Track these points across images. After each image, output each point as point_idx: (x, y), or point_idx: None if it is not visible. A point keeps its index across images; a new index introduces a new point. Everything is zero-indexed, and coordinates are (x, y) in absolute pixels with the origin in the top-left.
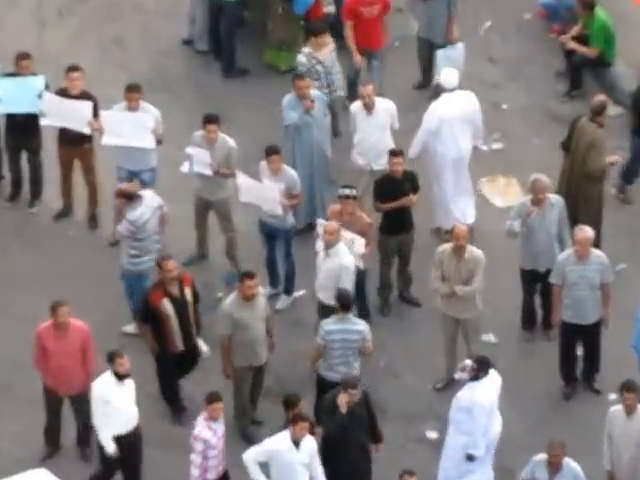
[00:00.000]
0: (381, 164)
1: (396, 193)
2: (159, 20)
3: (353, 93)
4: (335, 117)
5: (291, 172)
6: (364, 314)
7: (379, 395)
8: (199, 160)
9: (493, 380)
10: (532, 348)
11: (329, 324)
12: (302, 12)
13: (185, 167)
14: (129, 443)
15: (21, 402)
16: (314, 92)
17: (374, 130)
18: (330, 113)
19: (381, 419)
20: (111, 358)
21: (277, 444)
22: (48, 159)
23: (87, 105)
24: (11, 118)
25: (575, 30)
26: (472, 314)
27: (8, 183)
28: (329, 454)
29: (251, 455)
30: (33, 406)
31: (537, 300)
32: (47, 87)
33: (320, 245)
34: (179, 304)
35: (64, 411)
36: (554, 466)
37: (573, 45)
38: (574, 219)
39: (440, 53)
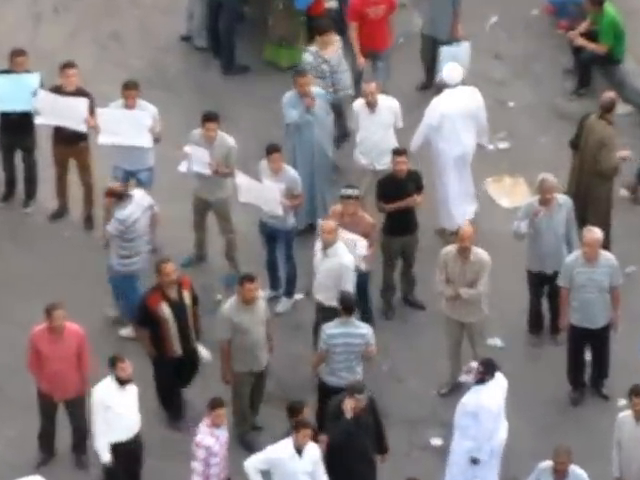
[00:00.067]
0: (384, 163)
1: (400, 193)
2: (157, 16)
3: (356, 94)
4: (343, 116)
5: (292, 172)
6: (367, 317)
7: (382, 400)
8: (198, 159)
9: (499, 383)
10: (539, 352)
11: (331, 328)
12: (303, 8)
13: (183, 166)
14: (130, 450)
15: (15, 406)
16: (315, 89)
17: (377, 128)
18: (337, 113)
19: (384, 425)
20: (113, 363)
21: (279, 452)
22: (43, 158)
23: (83, 102)
24: (5, 116)
25: (583, 26)
26: (477, 318)
27: (2, 183)
28: (333, 461)
29: (252, 463)
30: (27, 410)
31: (544, 303)
32: (42, 85)
33: (318, 245)
34: (177, 308)
35: (59, 416)
36: (560, 474)
37: (581, 42)
38: (583, 220)
39: (444, 49)
